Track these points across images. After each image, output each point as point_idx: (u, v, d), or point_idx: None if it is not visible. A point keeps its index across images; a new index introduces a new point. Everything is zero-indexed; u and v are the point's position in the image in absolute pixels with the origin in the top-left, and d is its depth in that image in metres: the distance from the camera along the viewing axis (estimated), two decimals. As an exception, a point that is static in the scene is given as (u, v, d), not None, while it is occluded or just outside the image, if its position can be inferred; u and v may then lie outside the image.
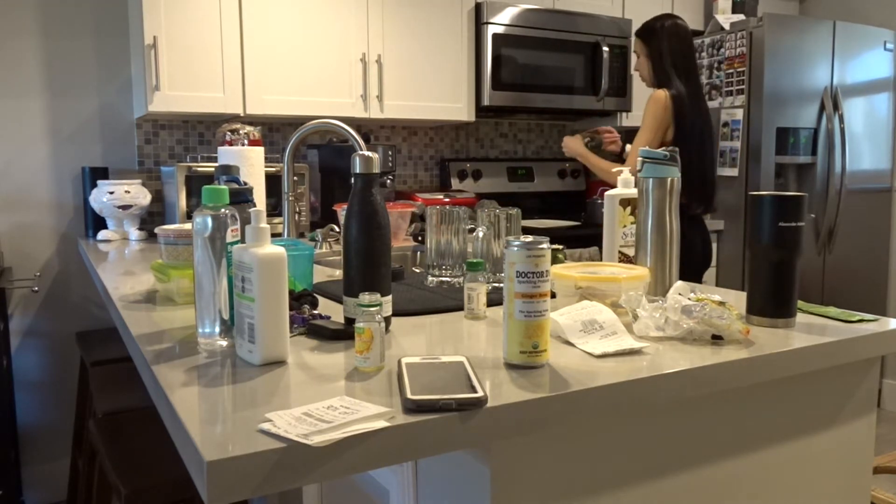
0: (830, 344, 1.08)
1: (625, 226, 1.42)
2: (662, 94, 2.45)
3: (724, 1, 3.60)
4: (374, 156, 1.10)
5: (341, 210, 2.15)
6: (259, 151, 2.21)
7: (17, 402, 2.74)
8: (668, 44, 2.51)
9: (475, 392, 0.80)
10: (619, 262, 1.42)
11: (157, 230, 1.47)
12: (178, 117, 2.85)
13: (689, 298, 1.11)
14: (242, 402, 0.81)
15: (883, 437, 3.35)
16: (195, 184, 2.52)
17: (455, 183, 3.40)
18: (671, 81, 2.48)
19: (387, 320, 1.10)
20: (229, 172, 1.47)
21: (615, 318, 1.08)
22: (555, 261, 1.51)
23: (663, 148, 1.32)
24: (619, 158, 2.69)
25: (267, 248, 0.95)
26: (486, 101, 3.08)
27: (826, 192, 3.42)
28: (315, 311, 1.20)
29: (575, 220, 3.39)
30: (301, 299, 1.22)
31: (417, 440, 0.75)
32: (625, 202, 1.42)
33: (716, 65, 3.40)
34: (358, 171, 1.09)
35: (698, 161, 2.46)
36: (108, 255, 2.19)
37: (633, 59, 2.69)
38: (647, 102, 2.50)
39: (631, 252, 1.42)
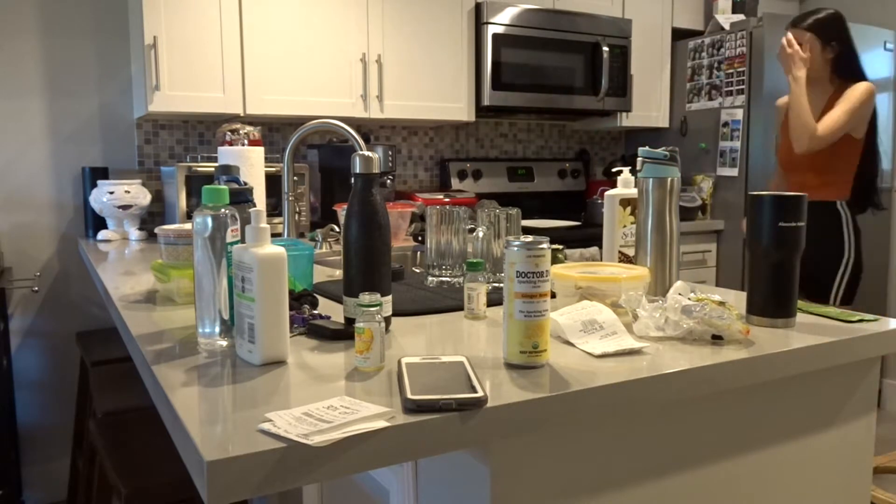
0: (830, 344, 1.08)
1: (625, 226, 1.42)
2: (872, 87, 2.41)
3: (724, 1, 3.60)
4: (374, 156, 1.10)
5: (341, 210, 2.15)
6: (259, 151, 2.21)
7: (17, 402, 2.74)
8: (846, 35, 2.48)
9: (475, 392, 0.80)
10: (619, 262, 1.42)
11: (157, 230, 1.47)
12: (178, 117, 2.85)
13: (689, 298, 1.11)
14: (242, 402, 0.81)
15: (883, 437, 3.34)
16: (195, 184, 2.52)
17: (455, 183, 3.40)
18: (864, 75, 2.47)
19: (387, 320, 1.10)
20: (229, 172, 1.47)
21: (615, 318, 1.08)
22: (555, 261, 1.51)
23: (663, 148, 1.32)
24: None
25: (267, 248, 0.95)
26: (486, 101, 3.08)
27: (826, 192, 3.41)
28: (315, 311, 1.20)
29: (575, 220, 3.39)
30: (301, 299, 1.22)
31: (417, 440, 0.75)
32: (625, 202, 1.42)
33: (716, 65, 3.40)
34: (358, 171, 1.09)
35: (872, 159, 2.51)
36: (108, 255, 2.19)
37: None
38: (853, 89, 2.41)
39: (631, 252, 1.42)
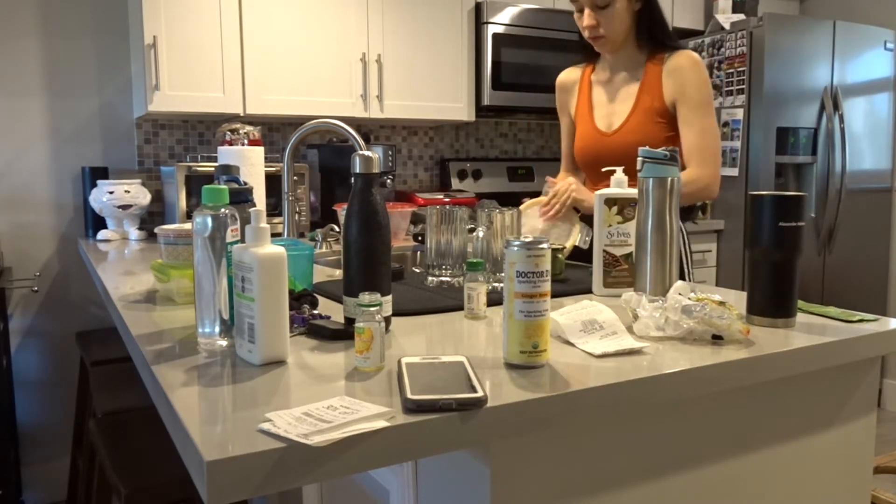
0: (830, 344, 1.08)
1: (610, 225, 1.41)
2: (699, 57, 1.79)
3: (724, 1, 3.60)
4: (374, 156, 1.10)
5: (341, 210, 2.15)
6: (259, 151, 2.21)
7: (17, 402, 2.74)
8: None
9: (475, 392, 0.80)
10: (605, 261, 1.41)
11: (157, 230, 1.47)
12: (177, 117, 2.85)
13: (689, 298, 1.11)
14: (242, 402, 0.81)
15: (883, 437, 3.35)
16: (195, 184, 2.52)
17: (455, 183, 3.40)
18: (676, 39, 1.86)
19: (387, 320, 1.10)
20: (229, 172, 1.47)
21: (615, 318, 1.08)
22: (555, 261, 1.51)
23: (663, 148, 1.32)
24: None
25: (267, 248, 0.95)
26: (486, 101, 3.08)
27: (826, 192, 3.42)
28: (315, 311, 1.20)
29: (575, 219, 3.39)
30: (301, 299, 1.22)
31: (417, 440, 0.75)
32: (610, 202, 1.41)
33: (716, 65, 3.40)
34: (358, 171, 1.09)
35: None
36: (108, 255, 2.19)
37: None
38: (688, 66, 1.76)
39: (617, 251, 1.41)
